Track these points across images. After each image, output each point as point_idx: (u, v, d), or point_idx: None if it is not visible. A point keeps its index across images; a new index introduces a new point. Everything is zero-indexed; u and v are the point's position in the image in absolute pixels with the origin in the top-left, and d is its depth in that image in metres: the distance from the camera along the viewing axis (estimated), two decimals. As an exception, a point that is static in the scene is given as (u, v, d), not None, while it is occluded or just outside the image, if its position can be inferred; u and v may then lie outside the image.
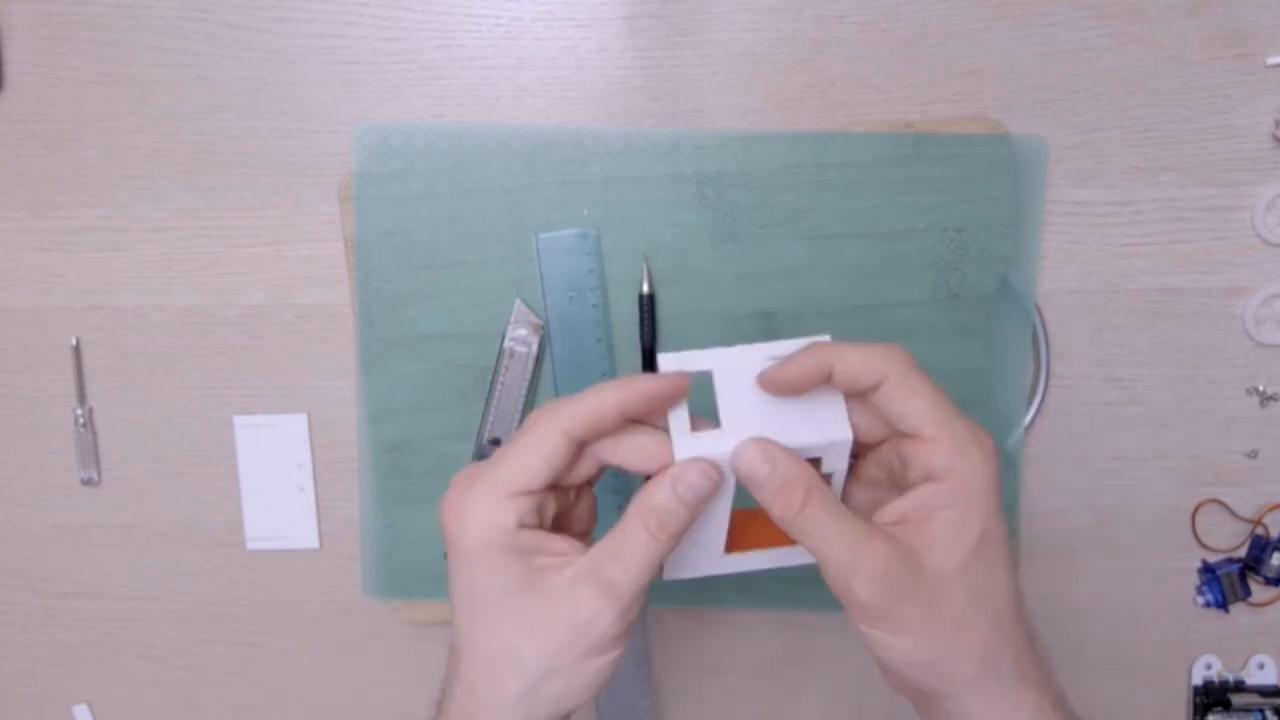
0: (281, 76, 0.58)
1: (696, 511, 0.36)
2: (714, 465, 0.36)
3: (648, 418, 0.38)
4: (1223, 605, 0.59)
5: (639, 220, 0.56)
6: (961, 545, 0.35)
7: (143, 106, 0.58)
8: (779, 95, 0.57)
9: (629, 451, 0.37)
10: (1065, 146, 0.56)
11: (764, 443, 0.35)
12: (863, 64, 0.56)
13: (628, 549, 0.36)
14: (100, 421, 0.62)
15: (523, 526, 0.36)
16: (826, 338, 0.37)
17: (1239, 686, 0.60)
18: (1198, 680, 0.60)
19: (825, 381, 0.36)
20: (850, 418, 0.37)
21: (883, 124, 0.56)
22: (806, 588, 0.59)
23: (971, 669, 0.35)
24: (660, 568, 0.38)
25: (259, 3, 0.57)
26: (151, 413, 0.61)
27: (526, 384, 0.57)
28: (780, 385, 0.36)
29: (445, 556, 0.38)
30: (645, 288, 0.56)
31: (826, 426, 0.37)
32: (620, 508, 0.57)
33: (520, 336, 0.57)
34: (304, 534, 0.62)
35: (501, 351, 0.57)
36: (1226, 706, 0.59)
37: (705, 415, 0.38)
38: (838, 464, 0.38)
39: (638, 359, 0.57)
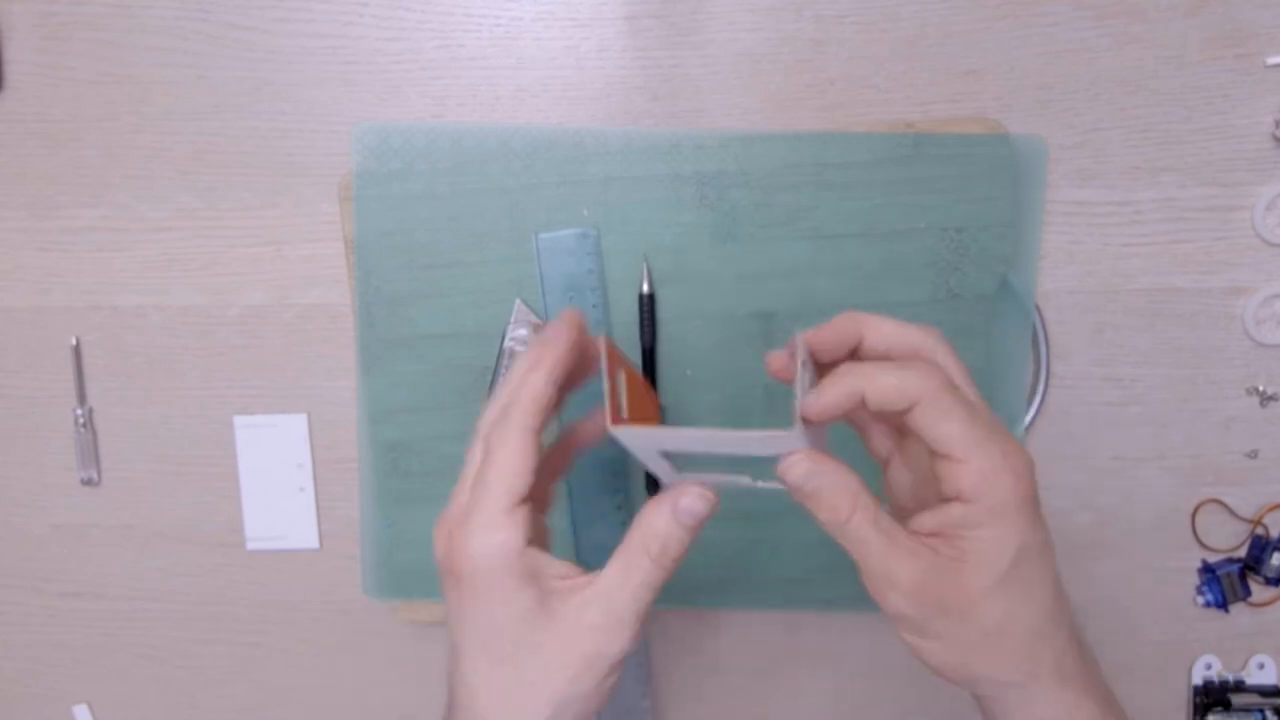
0: (281, 76, 0.58)
1: (695, 534, 0.37)
2: (711, 489, 0.36)
3: (581, 368, 0.40)
4: (1223, 605, 0.59)
5: (639, 220, 0.56)
6: (996, 563, 0.35)
7: (143, 106, 0.58)
8: (779, 95, 0.57)
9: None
10: (1065, 146, 0.56)
11: (813, 453, 0.35)
12: (863, 64, 0.56)
13: (633, 576, 0.37)
14: (100, 421, 0.62)
15: (529, 544, 0.37)
16: (792, 431, 0.35)
17: (1239, 686, 0.60)
18: (1198, 680, 0.60)
19: (861, 407, 0.36)
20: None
21: (883, 124, 0.56)
22: (807, 588, 0.59)
23: (1008, 674, 0.36)
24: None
25: (259, 3, 0.57)
26: (151, 413, 0.61)
27: (526, 384, 0.57)
28: (820, 414, 0.36)
29: (446, 600, 0.38)
30: (645, 288, 0.56)
31: (780, 442, 0.36)
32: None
33: (520, 336, 0.57)
34: (304, 534, 0.62)
35: (501, 351, 0.57)
36: (1226, 706, 0.59)
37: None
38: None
39: (638, 359, 0.57)
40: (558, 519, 0.57)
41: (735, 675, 0.62)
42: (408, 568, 0.59)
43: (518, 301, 0.57)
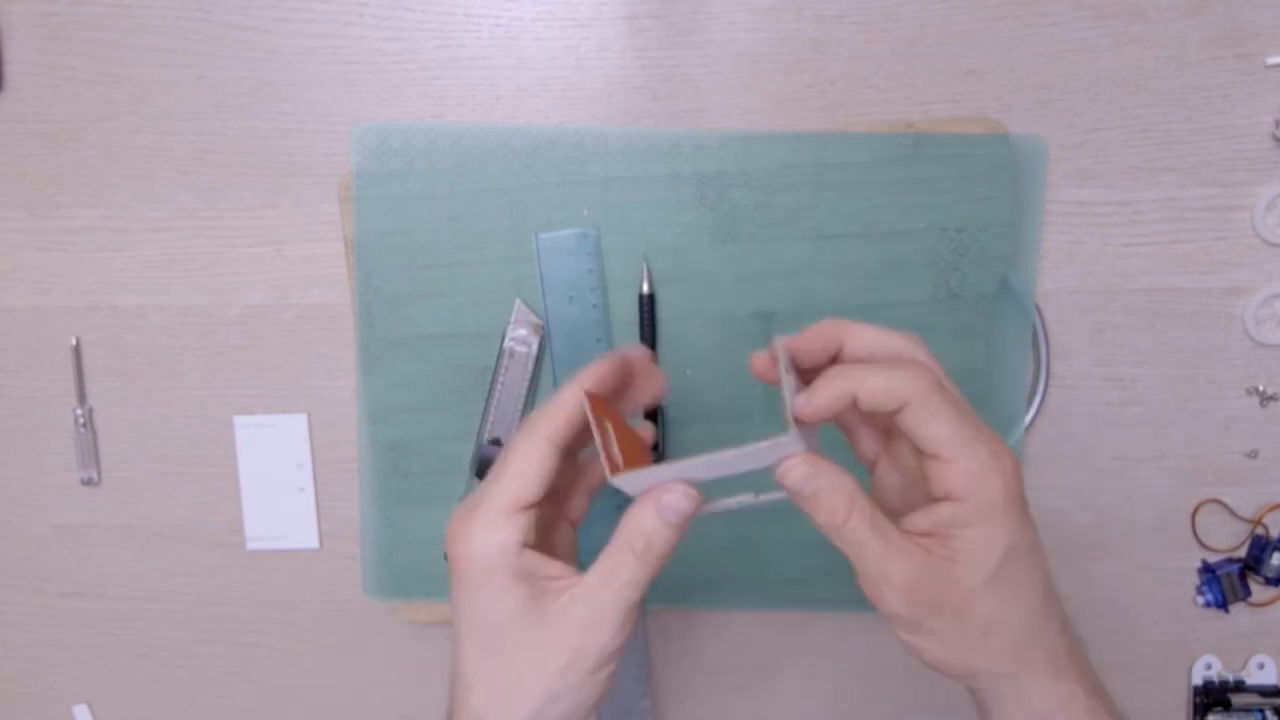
0: (281, 76, 0.58)
1: (682, 531, 0.37)
2: (694, 487, 0.37)
3: (610, 398, 0.41)
4: (1223, 605, 0.59)
5: (639, 220, 0.56)
6: (986, 562, 0.36)
7: (143, 106, 0.58)
8: (779, 95, 0.57)
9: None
10: (1065, 146, 0.56)
11: (810, 456, 0.36)
12: (863, 64, 0.56)
13: (618, 573, 0.37)
14: (100, 421, 0.62)
15: (525, 546, 0.38)
16: (788, 437, 0.36)
17: (1239, 686, 0.60)
18: (1198, 680, 0.60)
19: (852, 408, 0.37)
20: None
21: (883, 124, 0.56)
22: (806, 588, 0.59)
23: (1001, 667, 0.37)
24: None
25: (259, 3, 0.57)
26: (151, 413, 0.61)
27: (526, 384, 0.57)
28: (812, 416, 0.37)
29: (450, 588, 0.39)
30: (645, 288, 0.56)
31: (776, 451, 0.36)
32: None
33: (520, 336, 0.57)
34: (304, 534, 0.62)
35: (501, 351, 0.57)
36: (1226, 706, 0.59)
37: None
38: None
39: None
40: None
41: (735, 675, 0.62)
42: (408, 568, 0.59)
43: (518, 301, 0.57)
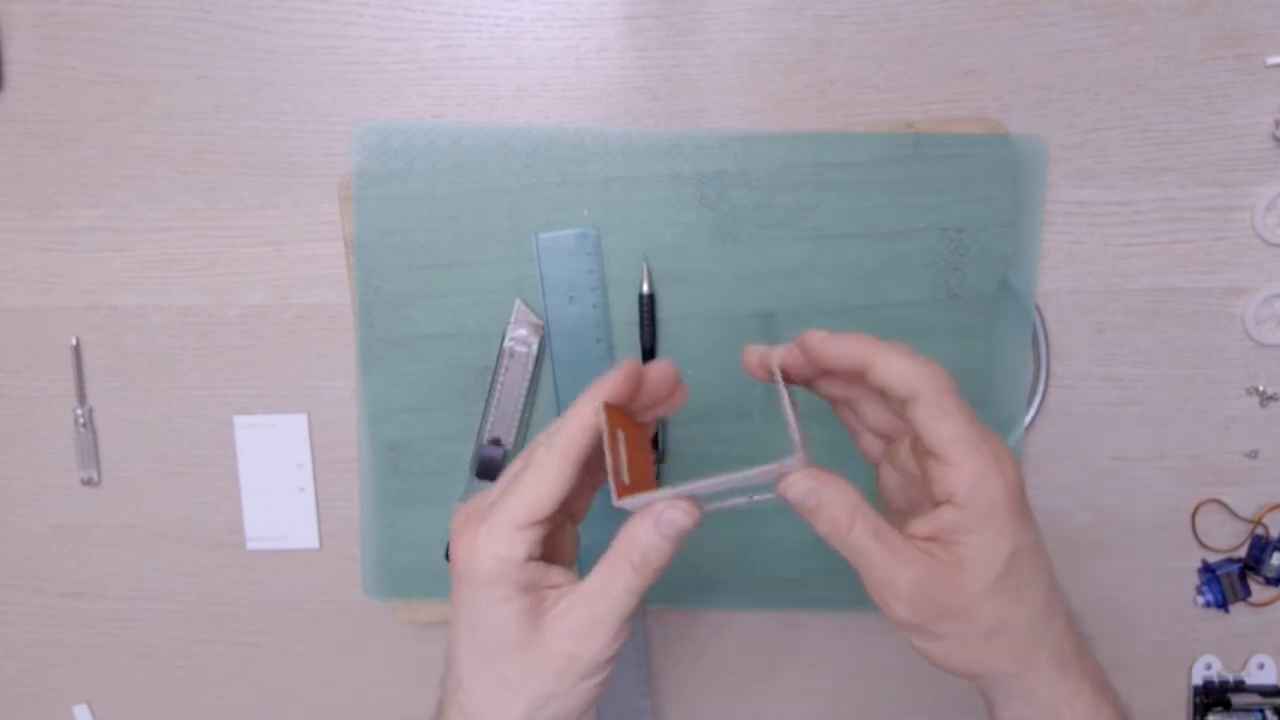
0: (281, 76, 0.58)
1: (679, 545, 0.37)
2: (694, 504, 0.37)
3: (627, 409, 0.40)
4: (1223, 605, 0.59)
5: (639, 220, 0.56)
6: (991, 566, 0.36)
7: (143, 106, 0.58)
8: (779, 95, 0.57)
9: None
10: (1065, 146, 0.56)
11: (812, 470, 0.36)
12: (863, 64, 0.56)
13: (615, 583, 0.37)
14: (100, 421, 0.62)
15: (529, 559, 0.38)
16: (794, 459, 0.36)
17: (1239, 686, 0.60)
18: (1198, 680, 0.60)
19: (860, 376, 0.38)
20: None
21: (883, 124, 0.56)
22: (806, 588, 0.59)
23: (1008, 666, 0.38)
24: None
25: (259, 3, 0.57)
26: (151, 413, 0.61)
27: (526, 384, 0.57)
28: (817, 352, 0.38)
29: (450, 584, 0.39)
30: (645, 288, 0.56)
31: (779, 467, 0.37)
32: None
33: (520, 336, 0.57)
34: (304, 534, 0.62)
35: (501, 351, 0.57)
36: (1226, 706, 0.59)
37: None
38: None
39: (638, 359, 0.57)
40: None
41: (735, 675, 0.62)
42: (408, 568, 0.59)
43: (518, 301, 0.57)
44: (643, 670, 0.61)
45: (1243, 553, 0.59)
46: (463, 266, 0.57)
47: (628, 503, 0.37)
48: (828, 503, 0.36)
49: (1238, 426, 0.58)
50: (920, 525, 0.37)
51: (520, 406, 0.57)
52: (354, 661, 0.63)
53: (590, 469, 0.39)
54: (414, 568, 0.59)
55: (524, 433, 0.58)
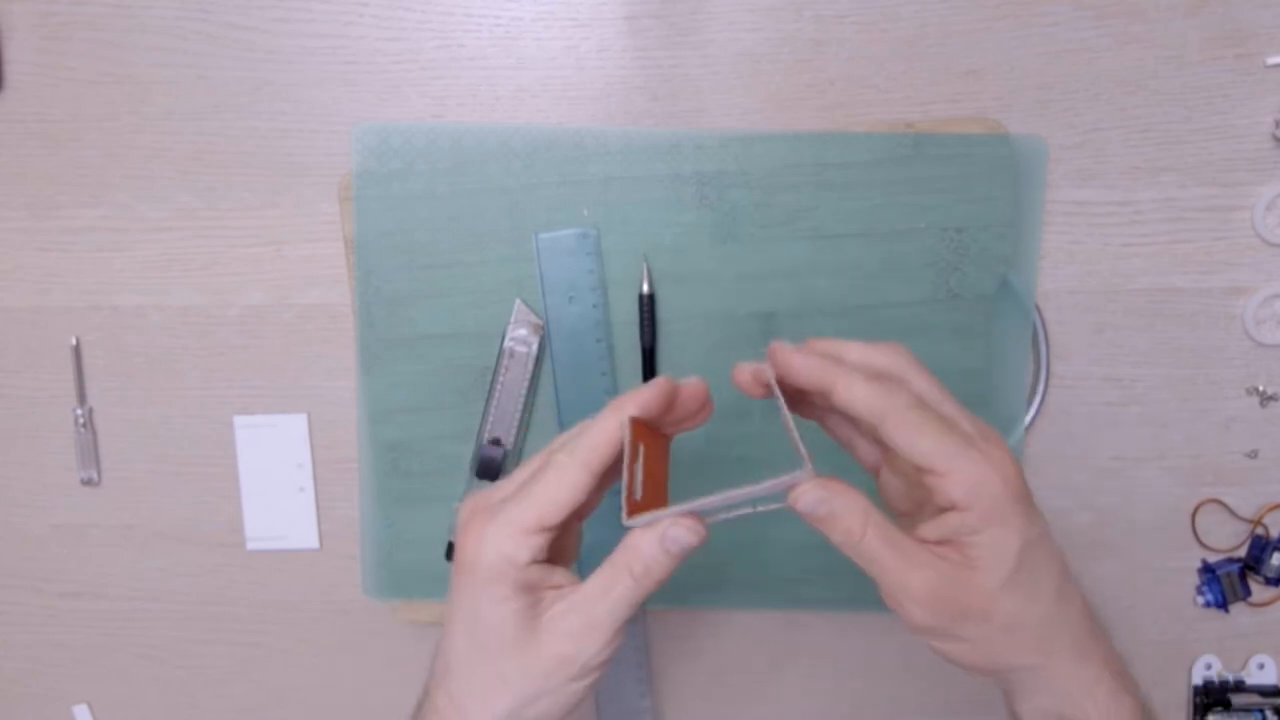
0: (281, 76, 0.58)
1: (682, 560, 0.37)
2: (701, 523, 0.37)
3: (653, 421, 0.40)
4: (1223, 605, 0.59)
5: (639, 220, 0.56)
6: (1003, 563, 0.36)
7: (143, 106, 0.58)
8: (779, 95, 0.57)
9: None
10: (1065, 146, 0.56)
11: (821, 480, 0.36)
12: (863, 64, 0.56)
13: (613, 590, 0.38)
14: (100, 421, 0.62)
15: (534, 562, 0.38)
16: (803, 471, 0.36)
17: (1239, 686, 0.60)
18: (1198, 680, 0.60)
19: (824, 397, 0.38)
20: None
21: (883, 124, 0.56)
22: (806, 588, 0.59)
23: (1027, 659, 0.37)
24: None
25: (259, 3, 0.57)
26: (151, 413, 0.61)
27: (526, 384, 0.57)
28: (782, 364, 0.38)
29: (451, 573, 0.39)
30: (645, 288, 0.56)
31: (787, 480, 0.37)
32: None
33: (520, 336, 0.57)
34: (304, 534, 0.62)
35: (501, 351, 0.57)
36: (1226, 706, 0.59)
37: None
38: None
39: (638, 359, 0.57)
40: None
41: (735, 675, 0.62)
42: (408, 568, 0.59)
43: (518, 301, 0.57)
44: (643, 670, 0.61)
45: (1243, 553, 0.59)
46: (463, 266, 0.57)
47: (636, 522, 0.37)
48: (839, 512, 0.36)
49: (1238, 426, 0.58)
50: (929, 530, 0.37)
51: (520, 406, 0.57)
52: (354, 661, 0.63)
53: (607, 474, 0.39)
54: (414, 568, 0.59)
55: (524, 433, 0.58)
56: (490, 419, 0.57)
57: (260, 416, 0.61)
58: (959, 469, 0.36)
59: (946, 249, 0.55)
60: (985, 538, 0.36)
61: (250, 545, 0.62)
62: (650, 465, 0.39)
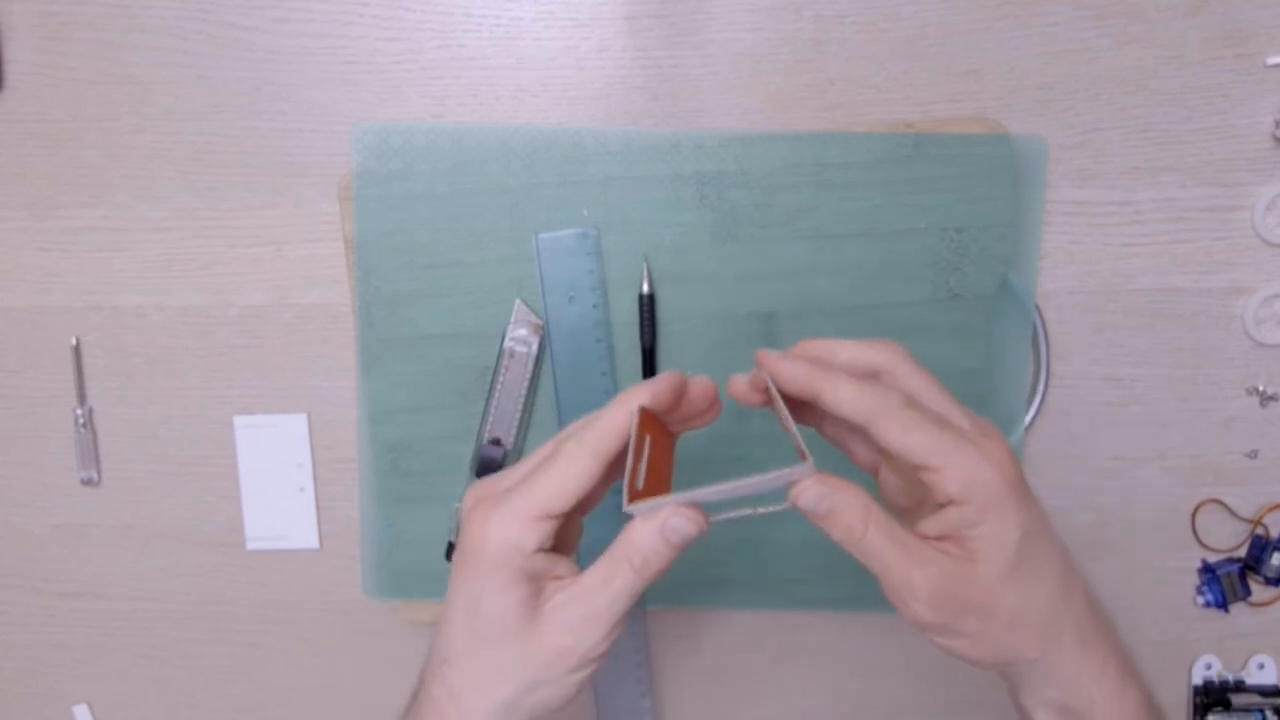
0: (281, 76, 0.58)
1: (682, 550, 0.37)
2: (702, 513, 0.37)
3: (661, 417, 0.40)
4: (1223, 605, 0.59)
5: (639, 220, 0.56)
6: (1004, 554, 0.36)
7: (143, 106, 0.58)
8: (779, 95, 0.57)
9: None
10: (1065, 146, 0.56)
11: (822, 476, 0.36)
12: (863, 64, 0.56)
13: (613, 581, 0.37)
14: (100, 421, 0.62)
15: (538, 550, 0.38)
16: (804, 466, 0.36)
17: (1239, 686, 0.60)
18: (1198, 680, 0.60)
19: (812, 401, 0.38)
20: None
21: (883, 124, 0.56)
22: (806, 588, 0.59)
23: (1032, 651, 0.37)
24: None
25: (259, 3, 0.57)
26: (151, 413, 0.61)
27: (526, 384, 0.57)
28: (770, 370, 0.38)
29: (453, 561, 0.39)
30: (645, 288, 0.56)
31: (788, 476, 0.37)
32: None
33: (520, 336, 0.57)
34: (304, 534, 0.62)
35: (501, 351, 0.57)
36: (1226, 706, 0.59)
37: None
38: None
39: (638, 359, 0.57)
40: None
41: (735, 675, 0.62)
42: (408, 568, 0.59)
43: (518, 301, 0.57)
44: (643, 670, 0.61)
45: (1243, 553, 0.59)
46: (463, 266, 0.57)
47: (638, 508, 0.36)
48: (840, 509, 0.36)
49: (1238, 426, 0.58)
50: (929, 526, 0.37)
51: (520, 406, 0.57)
52: (354, 661, 0.63)
53: (614, 466, 0.39)
54: (414, 568, 0.59)
55: (524, 433, 0.58)
56: (490, 419, 0.57)
57: (260, 416, 0.61)
58: (954, 464, 0.36)
59: (946, 249, 0.55)
60: (984, 530, 0.36)
61: (250, 545, 0.62)
62: (655, 459, 0.39)
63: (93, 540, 0.63)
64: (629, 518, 0.37)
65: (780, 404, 0.38)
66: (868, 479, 0.43)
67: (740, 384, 0.41)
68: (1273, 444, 0.58)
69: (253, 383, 0.61)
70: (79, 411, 0.61)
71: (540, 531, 0.38)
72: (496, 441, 0.57)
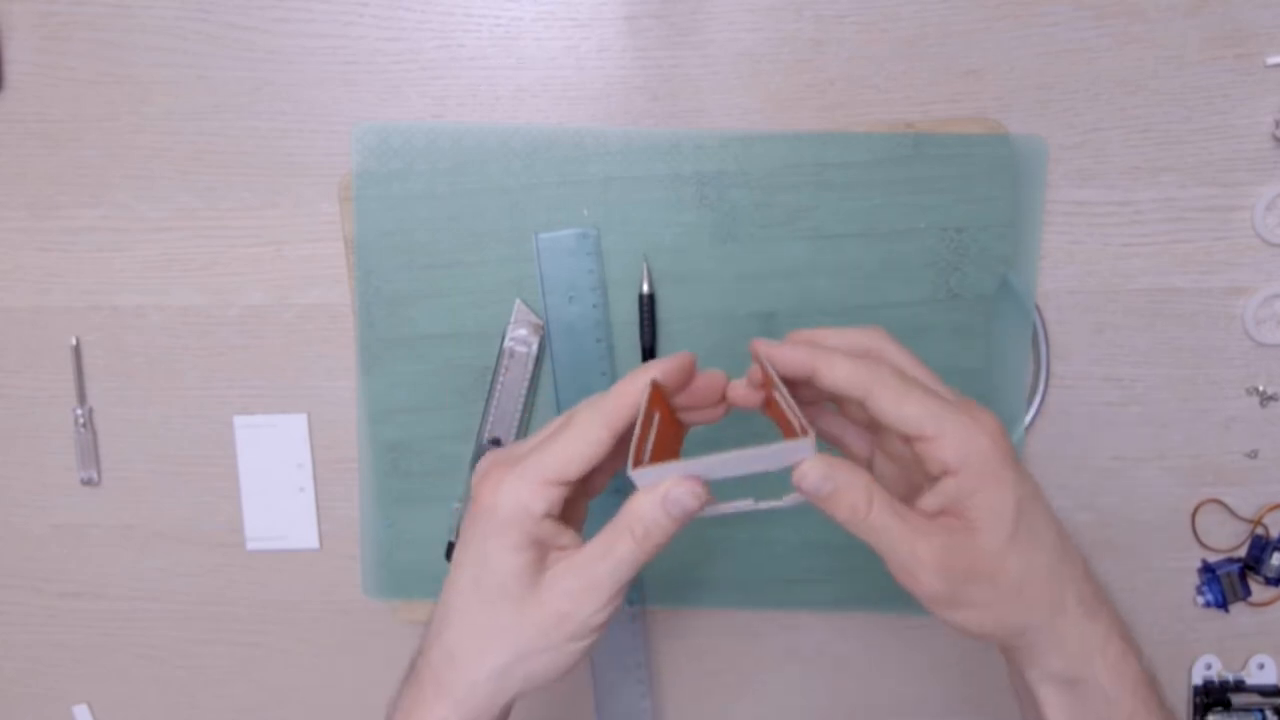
0: (281, 76, 0.58)
1: (682, 525, 0.38)
2: (704, 486, 0.37)
3: (670, 402, 0.42)
4: (1223, 605, 0.59)
5: (639, 220, 0.56)
6: (1003, 520, 0.37)
7: (143, 106, 0.58)
8: (779, 95, 0.57)
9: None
10: (1065, 146, 0.56)
11: (824, 457, 0.37)
12: (863, 64, 0.56)
13: (614, 551, 0.38)
14: (100, 421, 0.62)
15: (547, 515, 0.39)
16: (806, 440, 0.36)
17: (1239, 686, 0.60)
18: (1198, 680, 0.60)
19: (808, 380, 0.39)
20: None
21: (883, 124, 0.56)
22: (806, 588, 0.59)
23: (1040, 616, 0.38)
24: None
25: (259, 3, 0.57)
26: (151, 413, 0.61)
27: (526, 384, 0.57)
28: (766, 357, 0.39)
29: (463, 525, 0.40)
30: (645, 288, 0.56)
31: (790, 454, 0.37)
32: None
33: (520, 336, 0.57)
34: (304, 534, 0.62)
35: (501, 351, 0.57)
36: (1226, 706, 0.59)
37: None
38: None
39: (638, 359, 0.57)
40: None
41: (735, 675, 0.62)
42: (408, 568, 0.59)
43: (518, 301, 0.57)
44: (643, 670, 0.61)
45: (1243, 553, 0.59)
46: (463, 266, 0.57)
47: (642, 473, 0.37)
48: (843, 488, 0.36)
49: (1238, 426, 0.58)
50: (928, 501, 0.38)
51: (520, 406, 0.57)
52: (354, 661, 0.63)
53: (624, 440, 0.40)
54: (414, 568, 0.59)
55: (524, 433, 0.58)
56: (490, 419, 0.57)
57: (260, 416, 0.61)
58: (947, 432, 0.36)
59: (946, 249, 0.55)
60: (981, 499, 0.37)
61: (250, 545, 0.62)
62: (663, 441, 0.40)
63: (93, 540, 0.63)
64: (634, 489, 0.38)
65: (779, 382, 0.38)
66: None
67: (738, 389, 0.42)
68: (1273, 444, 0.58)
69: (253, 383, 0.61)
70: (79, 411, 0.61)
71: (550, 497, 0.38)
72: (496, 441, 0.57)
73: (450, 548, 0.58)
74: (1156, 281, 0.57)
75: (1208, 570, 0.59)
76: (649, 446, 0.38)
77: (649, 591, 0.60)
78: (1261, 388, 0.58)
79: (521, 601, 0.39)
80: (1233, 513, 0.59)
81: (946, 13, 0.55)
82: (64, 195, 0.60)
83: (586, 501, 0.44)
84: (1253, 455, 0.58)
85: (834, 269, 0.56)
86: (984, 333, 0.56)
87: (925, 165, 0.55)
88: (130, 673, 0.64)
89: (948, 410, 0.37)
